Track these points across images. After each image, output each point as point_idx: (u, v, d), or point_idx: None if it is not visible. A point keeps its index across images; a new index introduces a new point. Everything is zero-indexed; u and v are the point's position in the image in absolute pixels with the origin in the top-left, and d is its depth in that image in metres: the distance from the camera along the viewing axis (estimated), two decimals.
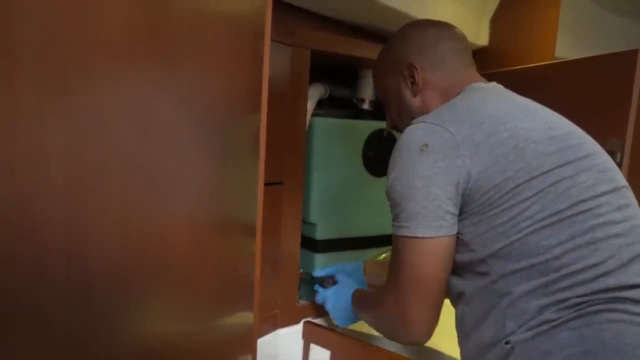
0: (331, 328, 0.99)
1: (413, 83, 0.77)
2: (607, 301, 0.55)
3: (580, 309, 0.54)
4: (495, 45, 1.23)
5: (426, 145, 0.63)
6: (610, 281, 0.56)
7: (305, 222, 1.08)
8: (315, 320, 1.03)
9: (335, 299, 0.92)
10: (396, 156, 0.67)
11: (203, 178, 0.44)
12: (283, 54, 0.89)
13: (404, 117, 0.80)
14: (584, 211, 0.59)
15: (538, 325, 0.56)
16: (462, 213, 0.63)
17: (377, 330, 0.77)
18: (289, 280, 0.98)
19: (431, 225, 0.62)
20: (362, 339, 0.95)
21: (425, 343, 0.69)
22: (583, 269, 0.57)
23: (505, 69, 1.10)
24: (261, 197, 0.46)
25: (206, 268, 0.46)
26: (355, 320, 0.90)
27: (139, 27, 0.37)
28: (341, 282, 0.96)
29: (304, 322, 1.03)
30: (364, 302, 0.84)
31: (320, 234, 1.12)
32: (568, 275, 0.57)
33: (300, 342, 1.04)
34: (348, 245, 1.15)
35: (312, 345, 1.02)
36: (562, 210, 0.59)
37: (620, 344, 0.52)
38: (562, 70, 0.96)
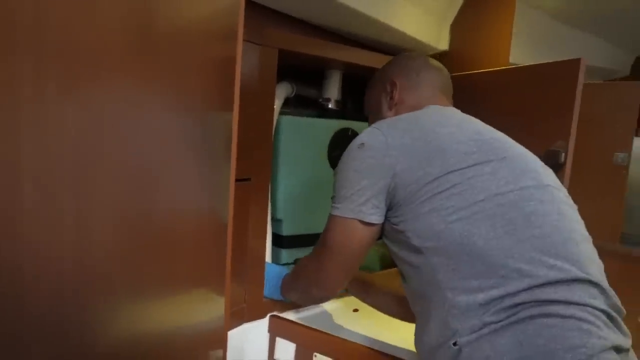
0: (296, 322, 1.02)
1: (391, 98, 0.90)
2: (540, 304, 0.57)
3: (516, 312, 0.58)
4: (455, 50, 1.28)
5: (363, 144, 0.75)
6: (538, 281, 0.59)
7: (271, 218, 1.10)
8: (281, 315, 1.05)
9: (268, 270, 1.01)
10: (344, 153, 0.78)
11: (183, 175, 0.46)
12: (252, 53, 0.91)
13: None
14: (503, 203, 0.64)
15: (481, 328, 0.59)
16: (393, 207, 0.72)
17: (295, 290, 0.92)
18: (256, 275, 1.00)
19: (353, 209, 0.73)
20: (327, 332, 0.98)
21: (330, 299, 0.85)
22: (507, 263, 0.60)
23: (464, 73, 1.15)
24: (232, 193, 0.48)
25: (180, 262, 0.48)
26: (279, 297, 0.99)
27: (123, 35, 0.39)
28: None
29: (270, 316, 1.04)
30: (289, 274, 0.96)
31: (287, 229, 1.14)
32: (494, 267, 0.60)
33: (266, 336, 1.05)
34: (313, 241, 1.17)
35: (278, 339, 1.04)
36: (480, 201, 0.64)
37: (552, 348, 0.54)
38: (515, 75, 1.02)
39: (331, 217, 0.76)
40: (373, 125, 0.78)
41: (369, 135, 0.75)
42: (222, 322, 0.52)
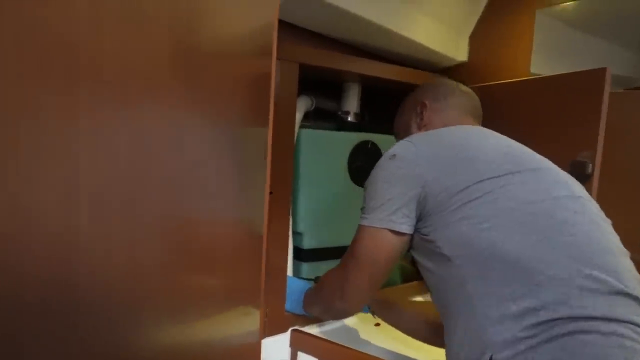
0: (319, 336, 1.01)
1: (421, 119, 0.92)
2: (578, 320, 0.55)
3: (553, 327, 0.55)
4: (475, 61, 1.28)
5: (394, 155, 0.76)
6: (575, 291, 0.57)
7: (292, 231, 1.10)
8: (302, 329, 1.04)
9: (290, 284, 1.00)
10: (376, 165, 0.79)
11: (223, 190, 0.47)
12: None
13: None
14: (535, 212, 0.63)
15: (516, 344, 0.56)
16: (423, 217, 0.71)
17: (317, 304, 0.90)
18: (277, 288, 0.99)
19: (383, 219, 0.72)
20: (349, 346, 0.96)
21: (352, 314, 0.84)
22: (541, 270, 0.58)
23: (484, 84, 1.15)
24: (267, 205, 0.48)
25: (219, 276, 0.48)
26: (301, 311, 0.98)
27: (169, 58, 0.40)
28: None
29: (292, 330, 1.04)
30: (312, 289, 0.94)
31: (307, 243, 1.14)
32: (527, 275, 0.58)
33: (287, 350, 1.05)
34: (334, 255, 1.17)
35: (300, 354, 1.03)
36: (511, 210, 0.63)
37: None
38: (536, 86, 1.01)
39: (360, 228, 0.76)
40: (405, 139, 0.79)
41: (400, 147, 0.77)
42: (257, 336, 0.51)
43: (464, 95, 0.94)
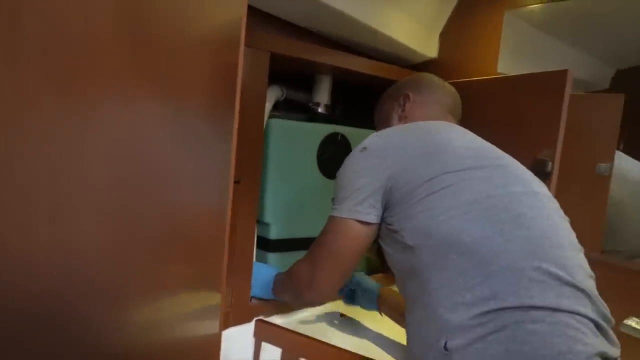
0: (283, 326, 1.01)
1: (402, 110, 0.93)
2: (527, 309, 0.57)
3: (503, 316, 0.57)
4: (444, 58, 1.30)
5: (365, 147, 0.78)
6: (525, 282, 0.59)
7: (259, 221, 1.10)
8: (267, 319, 1.04)
9: (256, 270, 1.00)
10: (347, 157, 0.81)
11: (182, 175, 0.45)
12: (244, 55, 0.91)
13: None
14: (494, 205, 0.65)
15: (469, 332, 0.58)
16: (389, 207, 0.73)
17: (287, 293, 0.91)
18: (243, 278, 0.99)
19: (350, 209, 0.74)
20: (313, 337, 0.97)
21: (322, 304, 0.88)
22: (494, 261, 0.60)
23: (452, 81, 1.17)
24: (231, 193, 0.48)
25: (178, 262, 0.47)
26: (270, 296, 0.98)
27: (123, 48, 0.39)
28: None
29: (256, 320, 1.03)
30: (282, 275, 0.94)
31: (274, 233, 1.14)
32: (482, 264, 0.60)
33: (251, 340, 1.04)
34: (301, 246, 1.17)
35: (264, 344, 1.03)
36: (472, 202, 0.65)
37: (538, 355, 0.55)
38: (502, 85, 1.04)
39: (329, 219, 0.78)
40: (376, 132, 0.82)
41: (371, 140, 0.79)
42: (217, 325, 0.51)
43: (447, 93, 0.96)
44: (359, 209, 0.74)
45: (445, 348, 0.59)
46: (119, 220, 0.41)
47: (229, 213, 0.47)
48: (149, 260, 0.44)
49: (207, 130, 0.47)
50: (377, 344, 0.98)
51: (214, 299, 0.50)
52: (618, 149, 1.26)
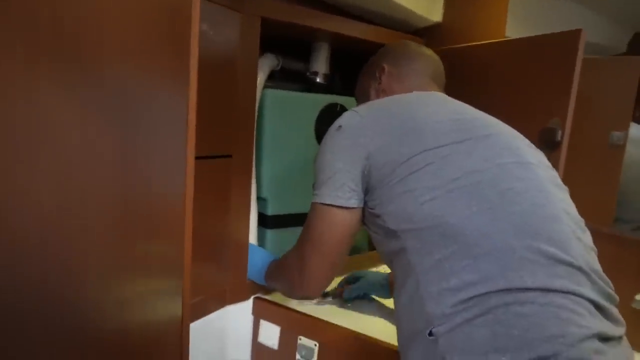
0: (281, 304, 0.99)
1: (379, 84, 0.87)
2: (515, 291, 0.53)
3: (489, 299, 0.54)
4: (449, 22, 1.23)
5: (340, 126, 0.72)
6: (514, 264, 0.55)
7: (257, 197, 1.06)
8: (265, 297, 1.02)
9: (252, 253, 0.98)
10: (324, 136, 0.75)
11: (118, 154, 0.41)
12: (232, 21, 0.85)
13: None
14: (480, 181, 0.61)
15: (454, 317, 0.55)
16: (369, 190, 0.69)
17: (277, 283, 0.87)
18: (238, 256, 0.96)
19: (330, 195, 0.69)
20: (312, 315, 0.95)
21: (314, 297, 0.81)
22: (480, 243, 0.56)
23: (457, 46, 1.10)
24: (190, 173, 0.43)
25: (133, 246, 0.43)
26: (263, 282, 0.95)
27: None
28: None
29: (254, 298, 1.02)
30: (274, 264, 0.92)
31: (271, 209, 1.11)
32: (467, 247, 0.57)
33: (250, 318, 1.03)
34: (299, 221, 1.13)
35: (262, 322, 1.01)
36: (455, 179, 0.61)
37: (527, 339, 0.51)
38: (509, 48, 0.97)
39: (312, 206, 0.73)
40: (352, 109, 0.75)
41: (347, 118, 0.73)
42: (179, 314, 0.47)
43: (426, 59, 0.88)
44: (339, 194, 0.69)
45: (431, 333, 0.56)
46: (68, 204, 0.37)
47: (190, 193, 0.43)
48: (108, 241, 0.40)
49: (156, 103, 0.42)
50: (376, 321, 0.95)
51: (176, 279, 0.47)
52: (633, 117, 1.19)
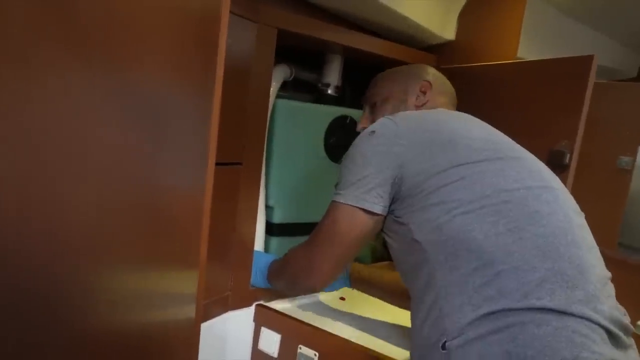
0: (283, 312, 0.99)
1: (423, 97, 0.89)
2: (533, 311, 0.54)
3: (506, 317, 0.54)
4: (462, 40, 1.24)
5: (374, 131, 0.73)
6: (534, 284, 0.55)
7: (265, 205, 1.07)
8: (267, 304, 1.03)
9: (256, 258, 0.98)
10: (355, 140, 0.76)
11: (139, 158, 0.42)
12: (248, 31, 0.86)
13: None
14: (509, 200, 0.61)
15: (469, 331, 0.55)
16: (398, 199, 0.70)
17: (282, 279, 0.88)
18: (242, 262, 0.97)
19: (358, 197, 0.70)
20: (312, 324, 0.95)
21: (318, 291, 0.84)
22: (504, 260, 0.57)
23: (469, 65, 1.11)
24: (210, 176, 0.44)
25: (148, 249, 0.44)
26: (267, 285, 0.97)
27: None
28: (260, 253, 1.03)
29: (256, 305, 1.02)
30: (278, 261, 0.92)
31: (278, 217, 1.11)
32: (491, 263, 0.57)
33: (251, 325, 1.03)
34: (305, 231, 1.14)
35: (263, 329, 1.01)
36: (486, 196, 0.62)
37: None
38: (521, 70, 0.98)
39: (332, 204, 0.73)
40: (386, 116, 0.76)
41: (381, 124, 0.74)
42: (193, 314, 0.48)
43: (450, 86, 0.94)
44: (366, 197, 0.69)
45: (444, 347, 0.57)
46: (100, 198, 0.38)
47: (208, 195, 0.44)
48: (126, 239, 0.41)
49: (181, 109, 0.43)
50: (377, 332, 0.95)
51: (191, 280, 0.47)
52: None
